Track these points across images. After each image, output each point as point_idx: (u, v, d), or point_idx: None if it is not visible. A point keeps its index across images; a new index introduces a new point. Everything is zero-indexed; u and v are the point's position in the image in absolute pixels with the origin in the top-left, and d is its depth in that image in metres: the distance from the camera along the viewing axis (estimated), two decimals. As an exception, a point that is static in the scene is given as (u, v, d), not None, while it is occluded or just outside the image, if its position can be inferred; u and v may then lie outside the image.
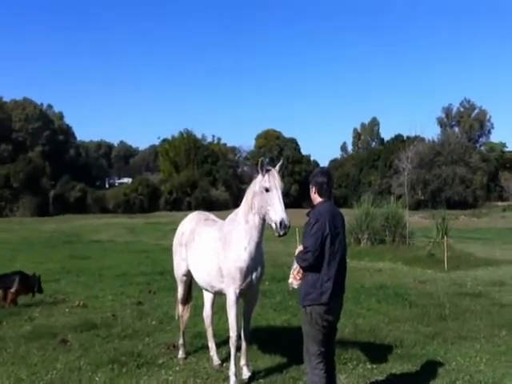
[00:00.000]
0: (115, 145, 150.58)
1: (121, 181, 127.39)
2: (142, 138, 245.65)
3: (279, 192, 5.79)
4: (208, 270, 6.50)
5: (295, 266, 5.16)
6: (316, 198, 5.28)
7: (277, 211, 5.64)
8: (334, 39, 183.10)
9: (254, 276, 6.20)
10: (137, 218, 55.45)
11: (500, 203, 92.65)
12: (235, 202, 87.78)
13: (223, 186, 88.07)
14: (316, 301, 4.92)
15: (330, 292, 4.92)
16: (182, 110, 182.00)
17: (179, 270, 7.22)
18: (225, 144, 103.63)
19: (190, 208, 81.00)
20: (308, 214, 5.24)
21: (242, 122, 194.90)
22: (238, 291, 6.14)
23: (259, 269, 6.29)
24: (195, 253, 6.77)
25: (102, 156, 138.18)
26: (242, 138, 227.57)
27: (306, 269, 5.00)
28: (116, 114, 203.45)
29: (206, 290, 6.97)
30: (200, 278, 6.74)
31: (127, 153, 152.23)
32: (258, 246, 6.19)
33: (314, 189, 5.29)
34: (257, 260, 6.21)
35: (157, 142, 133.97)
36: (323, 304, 4.93)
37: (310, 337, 5.03)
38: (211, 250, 6.45)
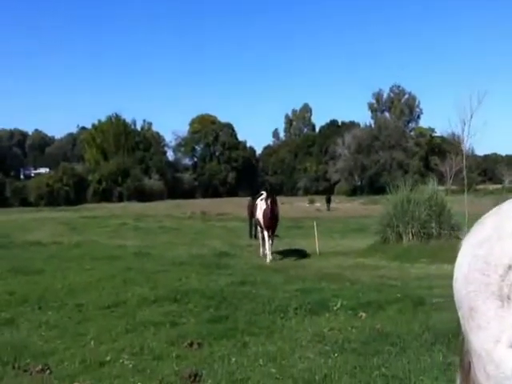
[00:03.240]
0: (29, 133, 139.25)
1: (37, 171, 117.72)
2: (58, 126, 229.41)
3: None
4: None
5: None
6: None
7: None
8: (266, 26, 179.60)
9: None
10: (67, 211, 48.80)
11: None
12: (171, 191, 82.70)
13: (157, 175, 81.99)
14: None
15: None
16: (105, 96, 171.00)
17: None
18: (157, 133, 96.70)
19: (122, 199, 74.64)
20: None
21: (174, 106, 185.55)
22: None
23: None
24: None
25: (16, 145, 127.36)
26: (175, 123, 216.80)
27: None
28: (30, 101, 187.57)
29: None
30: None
31: (42, 142, 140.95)
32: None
33: None
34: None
35: (75, 130, 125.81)
36: None
37: None
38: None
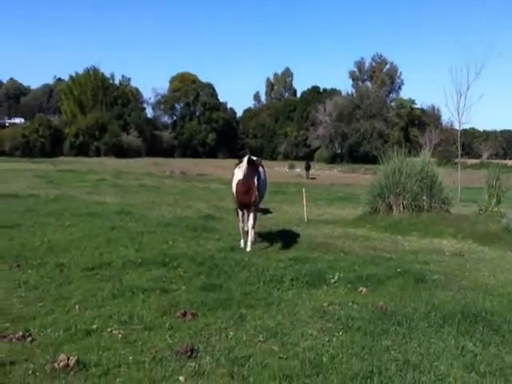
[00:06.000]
0: (4, 82, 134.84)
1: (12, 121, 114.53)
2: (35, 76, 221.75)
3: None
4: None
5: None
6: None
7: None
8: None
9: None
10: (42, 163, 47.58)
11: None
12: (149, 149, 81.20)
13: (136, 131, 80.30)
14: None
15: None
16: (83, 48, 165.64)
17: None
18: (136, 88, 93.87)
19: (99, 154, 73.15)
20: None
21: (154, 63, 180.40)
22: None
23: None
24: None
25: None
26: (154, 79, 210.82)
27: None
28: (6, 49, 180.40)
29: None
30: None
31: (18, 91, 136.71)
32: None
33: None
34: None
35: (51, 81, 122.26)
36: None
37: None
38: None
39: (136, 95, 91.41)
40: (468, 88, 15.66)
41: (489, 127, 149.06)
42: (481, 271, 9.26)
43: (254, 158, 10.44)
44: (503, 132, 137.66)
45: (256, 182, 10.05)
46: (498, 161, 76.26)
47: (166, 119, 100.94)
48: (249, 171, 10.07)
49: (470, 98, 15.76)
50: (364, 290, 7.28)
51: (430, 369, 4.79)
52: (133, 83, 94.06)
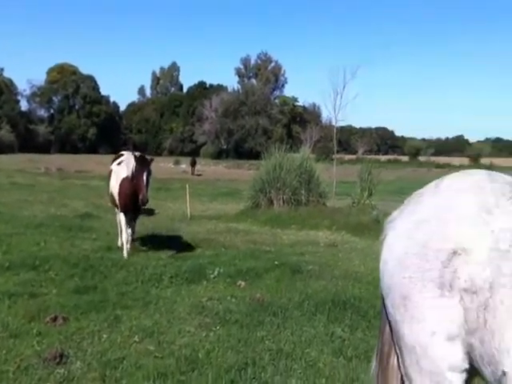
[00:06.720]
0: None
1: None
2: None
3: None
4: None
5: None
6: None
7: None
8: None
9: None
10: None
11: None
12: (23, 144, 76.17)
13: (8, 125, 74.87)
14: None
15: None
16: None
17: None
18: (10, 79, 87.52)
19: (-35, 150, 67.28)
20: None
21: (30, 52, 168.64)
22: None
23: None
24: None
25: None
26: (30, 71, 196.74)
27: None
28: None
29: None
30: None
31: None
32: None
33: None
34: None
35: None
36: None
37: None
38: None
39: (9, 86, 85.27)
40: (344, 87, 16.57)
41: (365, 124, 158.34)
42: (352, 260, 9.82)
43: (147, 157, 9.50)
44: (378, 129, 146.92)
45: (145, 180, 8.97)
46: (371, 156, 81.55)
47: (42, 112, 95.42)
48: (137, 170, 9.02)
49: (346, 97, 16.69)
50: (243, 283, 7.41)
51: (302, 356, 4.98)
52: (6, 74, 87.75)
